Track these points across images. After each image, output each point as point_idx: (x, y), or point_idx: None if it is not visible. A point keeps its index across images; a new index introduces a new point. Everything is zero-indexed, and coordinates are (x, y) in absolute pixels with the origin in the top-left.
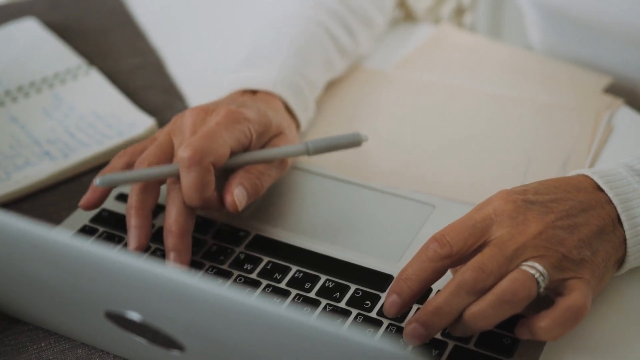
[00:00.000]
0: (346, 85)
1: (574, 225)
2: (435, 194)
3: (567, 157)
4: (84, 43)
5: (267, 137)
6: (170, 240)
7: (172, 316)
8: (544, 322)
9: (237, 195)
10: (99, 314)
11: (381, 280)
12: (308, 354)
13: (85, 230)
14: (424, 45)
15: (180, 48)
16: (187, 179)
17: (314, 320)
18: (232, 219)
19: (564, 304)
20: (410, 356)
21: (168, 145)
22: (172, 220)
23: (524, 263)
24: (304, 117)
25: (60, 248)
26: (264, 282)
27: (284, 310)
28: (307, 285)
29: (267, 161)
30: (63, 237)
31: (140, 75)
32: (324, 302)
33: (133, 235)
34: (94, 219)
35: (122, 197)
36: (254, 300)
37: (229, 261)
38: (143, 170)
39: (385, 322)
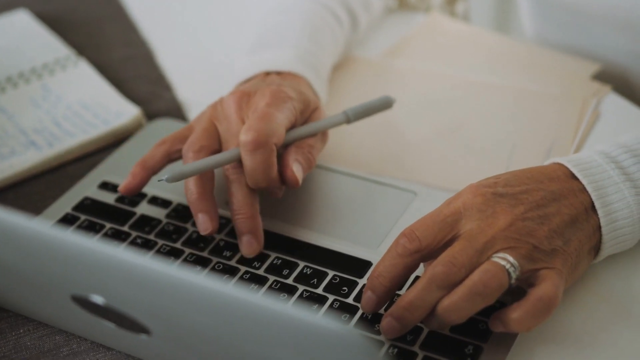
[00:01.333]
0: (333, 73)
1: (545, 216)
2: (418, 181)
3: (552, 145)
4: (76, 34)
5: (308, 113)
6: (242, 223)
7: (134, 300)
8: (515, 313)
9: (296, 170)
10: (66, 298)
11: (359, 266)
12: (260, 334)
13: (67, 219)
14: (412, 34)
15: (171, 39)
16: (252, 162)
17: (265, 300)
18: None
19: (535, 294)
20: (353, 334)
21: (213, 130)
22: (241, 203)
23: (495, 255)
24: (324, 97)
25: (23, 232)
26: (242, 269)
27: (235, 290)
28: (285, 272)
29: (313, 134)
30: (25, 222)
31: (130, 66)
32: (301, 288)
33: (203, 220)
34: (76, 207)
35: (105, 186)
36: (208, 283)
37: (209, 248)
38: (208, 159)
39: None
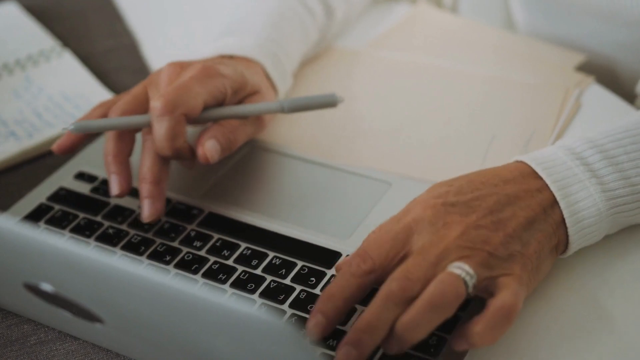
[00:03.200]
0: (317, 64)
1: (499, 221)
2: (396, 171)
3: (531, 136)
4: (61, 25)
5: (243, 94)
6: (144, 187)
7: (81, 289)
8: (477, 326)
9: (208, 147)
10: (19, 286)
11: (329, 257)
12: (198, 323)
13: (42, 209)
14: (398, 24)
15: (156, 30)
16: (159, 129)
17: (202, 291)
18: (188, 196)
19: (494, 305)
20: (282, 324)
21: (143, 97)
22: (146, 168)
23: (450, 265)
24: (282, 85)
25: None
26: (212, 259)
27: (174, 282)
28: (254, 262)
29: (242, 117)
30: None
31: (114, 57)
32: (269, 278)
33: (114, 182)
34: (51, 198)
35: (81, 176)
36: (148, 274)
37: (179, 238)
38: (116, 119)
39: None
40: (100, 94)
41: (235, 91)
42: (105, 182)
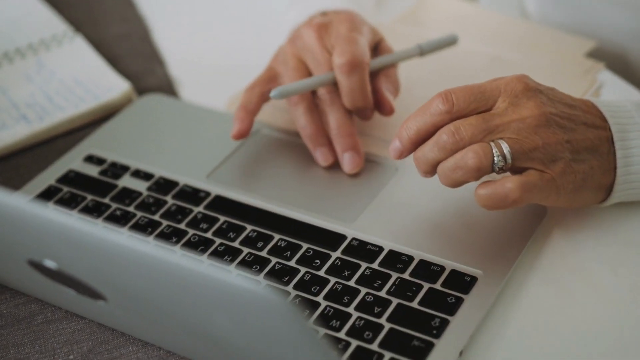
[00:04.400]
0: None
1: (570, 128)
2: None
3: None
4: (75, 11)
5: (377, 39)
6: (342, 141)
7: (84, 266)
8: (482, 190)
9: (389, 97)
10: (24, 263)
11: (333, 240)
12: (197, 298)
13: (51, 191)
14: (409, 11)
15: (168, 16)
16: (350, 83)
17: (198, 265)
18: (196, 179)
19: (501, 183)
20: (277, 298)
21: (303, 66)
22: (339, 122)
23: (497, 139)
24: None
25: None
26: (218, 241)
27: (172, 257)
28: (260, 244)
29: (393, 64)
30: None
31: (125, 42)
32: (274, 260)
33: (323, 153)
34: (60, 180)
35: (90, 159)
36: (149, 249)
37: (186, 220)
38: (309, 79)
39: (332, 281)
40: (111, 78)
41: (373, 36)
42: (114, 165)
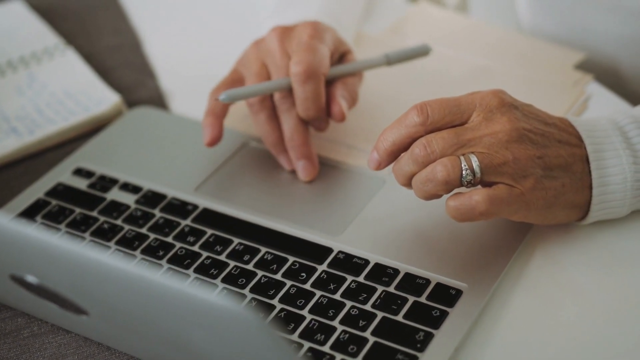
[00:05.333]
0: None
1: (543, 145)
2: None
3: None
4: (67, 23)
5: (341, 50)
6: (296, 150)
7: (64, 281)
8: (452, 201)
9: (343, 105)
10: (6, 277)
11: (320, 253)
12: (173, 313)
13: (39, 204)
14: (398, 21)
15: (159, 28)
16: (303, 92)
17: (174, 282)
18: (183, 192)
19: (469, 195)
20: (249, 314)
21: (265, 71)
22: (292, 131)
23: (467, 153)
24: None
25: None
26: (205, 254)
27: (148, 273)
28: (246, 258)
29: (354, 72)
30: None
31: (117, 54)
32: (260, 273)
33: (286, 161)
34: (48, 193)
35: (79, 172)
36: (126, 266)
37: (173, 234)
38: (260, 84)
39: (318, 294)
40: (101, 90)
41: (336, 47)
42: (102, 178)
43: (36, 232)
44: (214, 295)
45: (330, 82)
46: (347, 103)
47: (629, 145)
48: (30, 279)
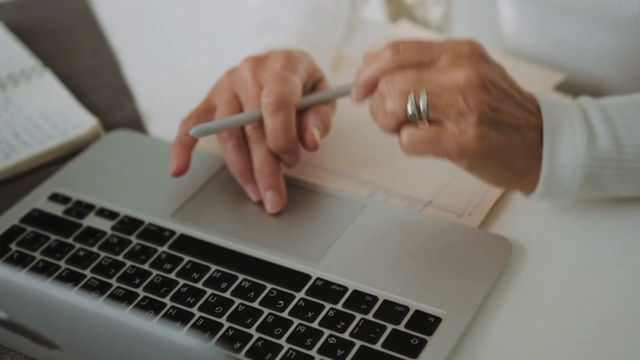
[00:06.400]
0: None
1: (499, 99)
2: (371, 180)
3: None
4: (45, 43)
5: (315, 78)
6: (265, 180)
7: (33, 317)
8: (403, 135)
9: (316, 133)
10: None
11: (298, 280)
12: (142, 353)
13: (14, 231)
14: (379, 41)
15: (139, 49)
16: (274, 123)
17: (143, 322)
18: (160, 217)
19: (406, 129)
20: (211, 352)
21: (236, 101)
22: (262, 161)
23: (420, 90)
24: (327, 74)
25: None
26: (181, 282)
27: (116, 313)
28: (224, 285)
29: (327, 101)
30: None
31: (95, 76)
32: (237, 301)
33: (252, 191)
34: (23, 219)
35: (55, 197)
36: (96, 306)
37: (150, 261)
38: (231, 117)
39: (295, 322)
40: (78, 113)
41: (310, 75)
42: (78, 204)
43: (3, 271)
44: (182, 335)
45: (302, 111)
46: (320, 132)
47: (587, 125)
48: (0, 314)
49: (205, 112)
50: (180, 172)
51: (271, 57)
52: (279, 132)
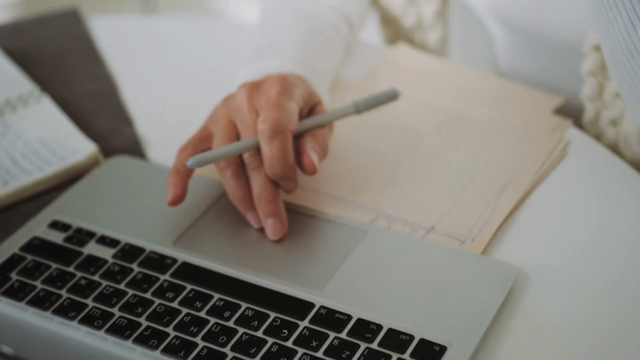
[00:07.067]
0: None
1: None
2: (372, 206)
3: (510, 179)
4: (42, 68)
5: (311, 103)
6: (265, 207)
7: (41, 352)
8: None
9: (313, 157)
10: None
11: (301, 308)
12: None
13: (14, 259)
14: (378, 65)
15: (136, 73)
16: (270, 150)
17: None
18: (161, 245)
19: None
20: None
21: (233, 129)
22: (261, 188)
23: None
24: (324, 97)
25: None
26: (184, 311)
27: (123, 352)
28: (227, 314)
29: (324, 124)
30: None
31: (93, 101)
32: (241, 330)
33: (254, 218)
34: (23, 248)
35: (55, 225)
36: (102, 344)
37: (152, 289)
38: (228, 146)
39: (300, 352)
40: (77, 139)
41: (306, 100)
42: (79, 231)
43: (8, 309)
44: None
45: (300, 136)
46: (318, 155)
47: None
48: (6, 349)
49: (202, 140)
50: (176, 201)
51: (267, 83)
52: (276, 159)
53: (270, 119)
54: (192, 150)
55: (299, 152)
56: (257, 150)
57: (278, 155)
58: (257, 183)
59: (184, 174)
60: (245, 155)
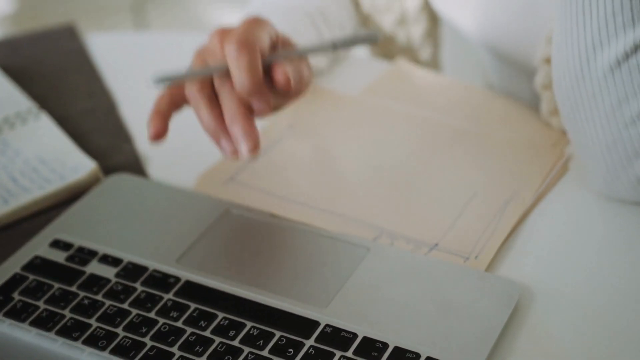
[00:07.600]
0: (309, 106)
1: None
2: (375, 223)
3: (512, 195)
4: (39, 86)
5: (282, 38)
6: (237, 127)
7: None
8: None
9: (287, 70)
10: None
11: (306, 327)
12: None
13: (16, 279)
14: (377, 80)
15: (134, 90)
16: (238, 65)
17: None
18: (164, 263)
19: None
20: None
21: (204, 64)
22: (233, 110)
23: None
24: None
25: None
26: (189, 331)
27: None
28: (232, 333)
29: (299, 56)
30: None
31: (91, 118)
32: (246, 350)
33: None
34: (25, 267)
35: (57, 244)
36: None
37: (156, 309)
38: (195, 69)
39: None
40: (77, 157)
41: (277, 34)
42: (81, 250)
43: (11, 330)
44: None
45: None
46: (294, 79)
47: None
48: None
49: (179, 86)
50: (158, 136)
51: (237, 25)
52: (244, 73)
53: (236, 36)
54: (169, 91)
55: (272, 68)
56: (226, 74)
57: (246, 68)
58: (229, 106)
59: (163, 113)
60: (216, 82)
